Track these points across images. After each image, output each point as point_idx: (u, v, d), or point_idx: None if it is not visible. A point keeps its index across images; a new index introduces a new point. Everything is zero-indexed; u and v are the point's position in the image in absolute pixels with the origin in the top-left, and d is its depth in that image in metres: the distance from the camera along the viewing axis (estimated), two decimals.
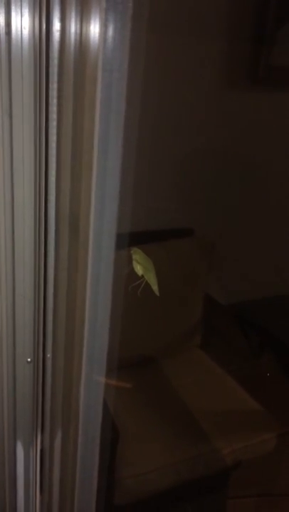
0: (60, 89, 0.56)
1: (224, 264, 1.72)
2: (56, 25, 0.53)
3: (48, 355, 0.69)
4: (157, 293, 0.88)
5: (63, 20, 0.53)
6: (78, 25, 0.54)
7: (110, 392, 1.03)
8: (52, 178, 0.60)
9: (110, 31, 0.54)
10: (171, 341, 1.62)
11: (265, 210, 1.75)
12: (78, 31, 0.54)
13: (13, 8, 0.51)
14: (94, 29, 0.54)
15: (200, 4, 1.37)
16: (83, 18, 0.54)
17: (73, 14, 0.53)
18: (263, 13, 1.48)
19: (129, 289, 0.86)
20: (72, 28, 0.54)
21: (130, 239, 0.90)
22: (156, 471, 1.27)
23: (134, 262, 0.84)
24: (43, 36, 0.53)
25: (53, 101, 0.56)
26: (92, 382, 0.74)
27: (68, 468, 0.78)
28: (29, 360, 0.68)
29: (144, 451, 1.30)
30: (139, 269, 0.84)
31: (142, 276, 0.86)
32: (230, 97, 1.57)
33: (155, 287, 0.87)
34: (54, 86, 0.55)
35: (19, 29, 0.52)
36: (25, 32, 0.52)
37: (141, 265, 0.84)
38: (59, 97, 0.56)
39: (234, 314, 1.83)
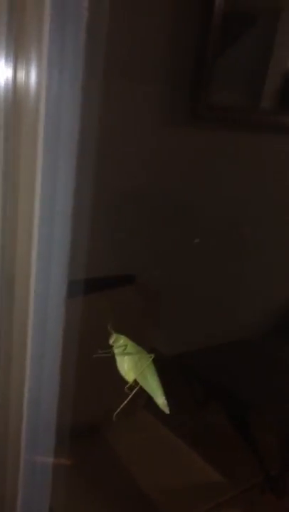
0: None
1: (168, 312, 1.63)
2: None
3: None
4: (167, 411, 0.55)
5: None
6: (10, 73, 0.42)
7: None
8: None
9: (55, 81, 0.42)
10: (113, 405, 1.48)
11: (207, 255, 1.70)
12: (10, 81, 0.42)
13: None
14: (33, 78, 0.42)
15: (139, 47, 1.30)
16: (17, 65, 0.41)
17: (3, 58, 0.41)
18: (201, 55, 1.46)
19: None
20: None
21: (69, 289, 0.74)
22: None
23: (117, 359, 0.47)
24: None
25: None
26: (36, 473, 0.58)
27: None
28: None
29: None
30: (129, 373, 0.46)
31: (136, 383, 0.49)
32: (172, 138, 1.51)
33: (161, 401, 0.51)
34: None
35: None
36: None
37: (131, 364, 0.46)
38: None
39: (178, 365, 1.74)
